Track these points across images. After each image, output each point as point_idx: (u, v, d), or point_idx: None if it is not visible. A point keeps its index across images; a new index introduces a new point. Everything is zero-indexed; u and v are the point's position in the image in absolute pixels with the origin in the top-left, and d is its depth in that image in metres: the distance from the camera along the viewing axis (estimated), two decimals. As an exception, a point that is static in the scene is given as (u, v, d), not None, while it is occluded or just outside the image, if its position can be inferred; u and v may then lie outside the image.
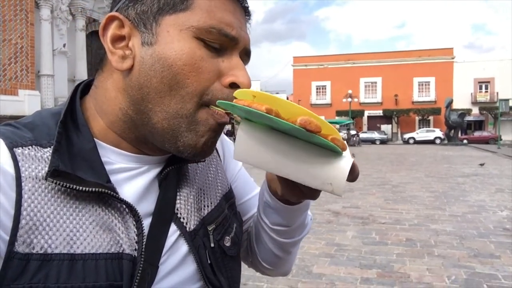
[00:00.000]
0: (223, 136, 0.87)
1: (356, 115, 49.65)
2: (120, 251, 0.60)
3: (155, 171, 0.69)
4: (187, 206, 0.71)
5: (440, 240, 5.79)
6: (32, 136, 0.61)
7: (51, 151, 0.59)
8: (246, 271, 0.89)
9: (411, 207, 8.19)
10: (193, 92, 0.61)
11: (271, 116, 0.52)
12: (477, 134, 43.23)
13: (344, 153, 0.58)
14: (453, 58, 50.00)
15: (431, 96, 50.02)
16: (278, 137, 0.58)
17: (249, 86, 0.63)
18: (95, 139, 0.64)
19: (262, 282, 4.23)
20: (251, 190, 0.92)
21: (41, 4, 16.11)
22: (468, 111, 45.54)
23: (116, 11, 0.64)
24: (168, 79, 0.60)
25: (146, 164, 0.68)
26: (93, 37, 19.09)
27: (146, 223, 0.65)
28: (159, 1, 0.61)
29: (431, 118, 49.57)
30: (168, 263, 0.66)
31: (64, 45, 17.20)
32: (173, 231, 0.68)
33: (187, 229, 0.69)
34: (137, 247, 0.62)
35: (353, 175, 0.57)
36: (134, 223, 0.62)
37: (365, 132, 44.71)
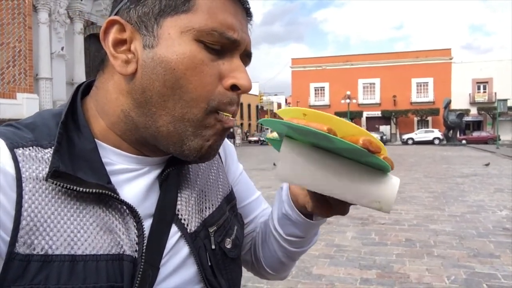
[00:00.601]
0: (225, 140, 0.87)
1: (354, 116, 49.68)
2: (121, 252, 0.60)
3: (155, 172, 0.69)
4: (188, 207, 0.70)
5: (439, 240, 5.79)
6: (33, 137, 0.60)
7: (51, 152, 0.59)
8: (245, 272, 0.89)
9: (410, 208, 8.19)
10: (198, 97, 0.60)
11: (332, 136, 0.52)
12: (475, 134, 43.26)
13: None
14: (451, 59, 50.10)
15: (430, 97, 50.11)
16: (322, 155, 0.58)
17: (249, 89, 0.63)
18: (96, 139, 0.64)
19: (262, 284, 4.23)
20: (252, 194, 0.93)
21: (39, 8, 16.10)
22: (466, 112, 45.63)
23: (117, 12, 0.63)
24: (171, 82, 0.59)
25: (146, 165, 0.68)
26: (91, 40, 19.08)
27: (147, 224, 0.64)
28: (160, 2, 0.60)
29: (429, 118, 49.68)
30: (169, 265, 0.66)
31: (62, 48, 17.18)
32: (174, 232, 0.68)
33: (188, 230, 0.69)
34: (137, 248, 0.61)
35: None
36: (135, 224, 0.62)
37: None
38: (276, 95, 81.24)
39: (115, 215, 0.61)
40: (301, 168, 0.59)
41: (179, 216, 0.69)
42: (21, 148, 0.58)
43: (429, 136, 42.26)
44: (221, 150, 0.87)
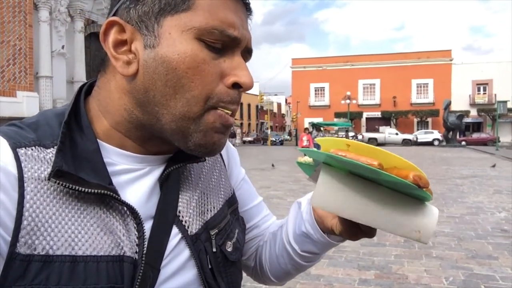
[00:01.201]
0: (228, 144, 0.87)
1: (354, 116, 49.71)
2: (121, 254, 0.60)
3: (157, 173, 0.69)
4: (189, 209, 0.70)
5: (438, 242, 5.80)
6: (36, 137, 0.61)
7: (54, 152, 0.59)
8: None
9: (409, 209, 8.18)
10: (198, 95, 0.60)
11: (384, 172, 0.53)
12: (475, 136, 43.23)
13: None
14: (451, 60, 50.11)
15: (430, 98, 50.13)
16: (361, 183, 0.59)
17: (251, 86, 0.63)
18: (98, 140, 0.64)
19: (261, 284, 4.22)
20: (254, 199, 0.93)
21: (40, 6, 16.10)
22: (466, 113, 45.64)
23: (116, 11, 0.63)
24: (173, 82, 0.59)
25: (148, 165, 0.68)
26: (91, 38, 19.08)
27: (148, 225, 0.64)
28: (160, 1, 0.60)
29: (429, 120, 49.67)
30: (170, 267, 0.66)
31: (62, 47, 17.19)
32: (175, 234, 0.67)
33: (189, 232, 0.69)
34: (137, 250, 0.61)
35: None
36: (135, 225, 0.62)
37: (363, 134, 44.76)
38: (276, 95, 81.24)
39: (116, 216, 0.61)
40: (340, 196, 0.59)
41: (180, 218, 0.69)
42: (23, 148, 0.59)
43: (429, 137, 42.28)
44: (224, 154, 0.87)
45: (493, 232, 6.34)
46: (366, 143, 0.57)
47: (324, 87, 54.05)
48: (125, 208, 0.62)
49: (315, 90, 54.62)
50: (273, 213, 0.98)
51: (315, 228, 0.76)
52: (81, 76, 18.05)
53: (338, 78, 52.37)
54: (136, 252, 0.61)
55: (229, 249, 0.74)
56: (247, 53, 0.67)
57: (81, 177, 0.58)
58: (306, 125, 39.07)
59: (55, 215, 0.57)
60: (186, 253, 0.68)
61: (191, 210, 0.70)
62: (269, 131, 48.63)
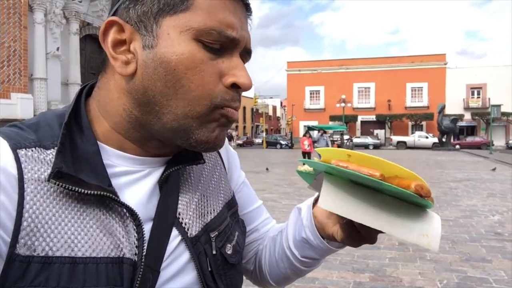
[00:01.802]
0: (228, 147, 0.88)
1: (349, 120, 49.81)
2: (121, 256, 0.59)
3: (156, 174, 0.69)
4: (189, 211, 0.70)
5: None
6: (36, 138, 0.61)
7: (54, 153, 0.59)
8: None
9: (403, 212, 8.20)
10: (200, 96, 0.60)
11: (387, 184, 0.54)
12: (469, 139, 43.45)
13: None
14: (445, 64, 50.39)
15: (424, 102, 50.34)
16: (364, 191, 0.60)
17: (249, 87, 0.64)
18: (98, 142, 0.64)
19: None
20: (253, 202, 0.93)
21: (35, 8, 16.05)
22: (460, 117, 45.85)
23: (116, 11, 0.63)
24: (173, 82, 0.59)
25: (148, 167, 0.68)
26: (86, 40, 19.04)
27: (148, 227, 0.64)
28: (159, 1, 0.60)
29: (424, 123, 49.85)
30: (169, 269, 0.65)
31: (57, 49, 17.13)
32: (175, 236, 0.67)
33: (189, 234, 0.68)
34: (137, 252, 0.61)
35: None
36: (135, 227, 0.62)
37: (359, 137, 44.86)
38: (271, 98, 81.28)
39: (115, 218, 0.61)
40: (345, 202, 0.60)
41: (180, 220, 0.68)
42: (23, 149, 0.59)
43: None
44: (224, 157, 0.87)
45: (486, 235, 6.37)
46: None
47: (319, 90, 54.15)
48: (124, 210, 0.62)
49: (310, 93, 54.71)
50: None
51: (315, 234, 0.76)
52: (75, 78, 18.00)
53: (333, 81, 52.50)
54: (135, 254, 0.61)
55: (229, 252, 0.74)
56: (246, 54, 0.67)
57: (80, 178, 0.58)
58: (302, 128, 38.82)
59: (55, 216, 0.57)
60: (186, 255, 0.68)
61: (191, 212, 0.70)
62: (264, 134, 48.60)
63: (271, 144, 44.42)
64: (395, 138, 42.28)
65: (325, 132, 16.90)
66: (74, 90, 17.93)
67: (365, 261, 5.10)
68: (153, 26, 0.60)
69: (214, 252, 0.71)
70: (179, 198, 0.70)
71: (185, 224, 0.69)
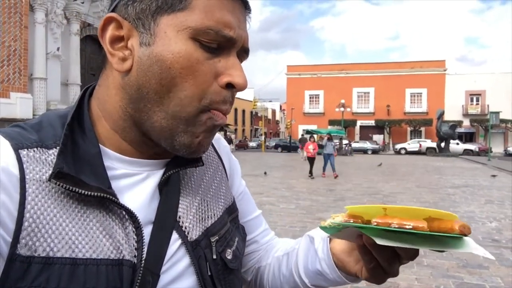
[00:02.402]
0: (231, 155, 0.88)
1: (348, 124, 49.87)
2: (121, 258, 0.59)
3: (156, 177, 0.69)
4: (189, 215, 0.70)
5: (429, 250, 5.81)
6: (38, 138, 0.61)
7: (56, 153, 0.59)
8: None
9: (401, 217, 8.20)
10: (191, 95, 0.60)
11: (437, 233, 0.56)
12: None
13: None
14: (445, 70, 50.56)
15: (423, 107, 50.48)
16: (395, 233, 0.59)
17: (245, 87, 0.64)
18: (100, 144, 0.64)
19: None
20: (252, 211, 0.93)
21: (36, 8, 16.07)
22: (459, 123, 46.02)
23: (115, 8, 0.63)
24: (167, 81, 0.59)
25: (148, 170, 0.68)
26: (87, 41, 19.05)
27: (148, 230, 0.64)
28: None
29: (422, 129, 49.97)
30: (169, 273, 0.65)
31: (58, 49, 17.15)
32: (175, 240, 0.67)
33: (189, 238, 0.68)
34: (136, 254, 0.61)
35: None
36: (134, 230, 0.62)
37: (357, 142, 44.85)
38: (270, 101, 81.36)
39: (115, 219, 0.61)
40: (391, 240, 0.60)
41: (180, 224, 0.68)
42: (25, 149, 0.59)
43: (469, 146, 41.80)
44: (226, 164, 0.87)
45: (484, 241, 6.37)
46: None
47: (318, 95, 54.27)
48: (124, 212, 0.62)
49: (310, 97, 54.82)
50: (265, 219, 0.98)
51: (332, 269, 0.76)
52: (75, 79, 18.01)
53: (332, 85, 52.63)
54: (135, 256, 0.61)
55: (229, 257, 0.74)
56: (243, 53, 0.67)
57: (81, 179, 0.58)
58: (300, 131, 38.61)
59: (56, 217, 0.57)
60: (186, 259, 0.68)
61: (191, 216, 0.70)
62: (263, 137, 48.61)
63: (284, 148, 43.21)
64: (424, 145, 41.29)
65: (331, 138, 16.63)
66: (74, 90, 17.94)
67: (362, 266, 5.09)
68: (150, 24, 0.60)
69: (214, 256, 0.70)
70: (180, 201, 0.70)
71: (185, 228, 0.68)
